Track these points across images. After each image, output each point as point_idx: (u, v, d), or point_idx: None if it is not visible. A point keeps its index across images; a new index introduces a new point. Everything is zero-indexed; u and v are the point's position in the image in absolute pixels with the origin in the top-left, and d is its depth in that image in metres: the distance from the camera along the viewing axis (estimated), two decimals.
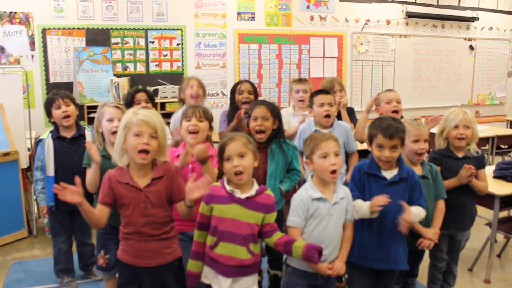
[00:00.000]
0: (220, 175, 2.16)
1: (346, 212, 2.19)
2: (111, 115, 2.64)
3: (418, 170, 2.48)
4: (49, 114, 3.06)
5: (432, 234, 2.41)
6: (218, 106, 6.30)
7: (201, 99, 3.46)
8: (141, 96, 3.29)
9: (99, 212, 2.03)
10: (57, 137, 3.05)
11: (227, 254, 2.02)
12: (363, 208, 2.19)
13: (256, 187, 2.08)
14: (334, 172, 2.09)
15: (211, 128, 2.53)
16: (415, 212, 2.24)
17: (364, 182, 2.30)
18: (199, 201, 2.02)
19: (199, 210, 2.07)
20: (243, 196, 2.03)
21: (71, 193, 1.85)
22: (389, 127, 2.21)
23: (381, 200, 2.11)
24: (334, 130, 2.92)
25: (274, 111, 2.66)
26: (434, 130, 2.97)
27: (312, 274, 2.13)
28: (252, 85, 3.46)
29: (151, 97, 3.37)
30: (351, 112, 3.63)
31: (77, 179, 1.91)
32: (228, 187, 2.04)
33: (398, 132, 2.22)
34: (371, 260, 2.30)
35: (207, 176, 1.96)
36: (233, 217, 2.01)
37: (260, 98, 3.53)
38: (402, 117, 3.07)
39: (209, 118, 2.50)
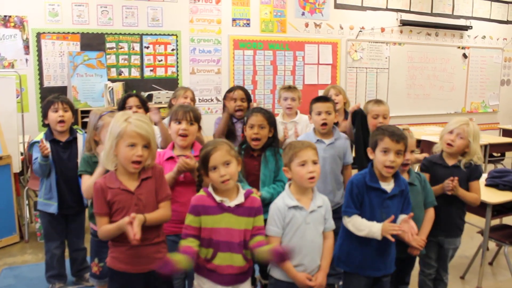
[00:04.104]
0: (199, 183, 2.15)
1: (325, 221, 2.19)
2: None
3: (404, 177, 2.49)
4: (45, 115, 3.05)
5: (417, 241, 2.42)
6: (213, 112, 6.30)
7: None
8: (132, 101, 3.25)
9: (106, 223, 1.99)
10: (51, 140, 3.04)
11: (225, 263, 2.01)
12: (373, 231, 2.17)
13: (242, 192, 2.08)
14: (312, 178, 2.09)
15: (200, 128, 2.54)
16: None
17: (363, 196, 2.27)
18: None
19: (186, 222, 2.05)
20: (232, 204, 2.03)
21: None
22: (396, 131, 2.23)
23: (395, 229, 2.13)
24: (336, 140, 2.90)
25: (270, 119, 2.65)
26: (428, 138, 2.96)
27: (295, 285, 2.12)
28: (245, 91, 3.36)
29: (143, 102, 3.32)
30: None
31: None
32: (217, 197, 2.02)
33: (403, 138, 2.24)
34: (370, 269, 2.30)
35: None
36: (226, 226, 2.01)
37: (255, 104, 3.48)
38: None
39: (198, 119, 2.50)
